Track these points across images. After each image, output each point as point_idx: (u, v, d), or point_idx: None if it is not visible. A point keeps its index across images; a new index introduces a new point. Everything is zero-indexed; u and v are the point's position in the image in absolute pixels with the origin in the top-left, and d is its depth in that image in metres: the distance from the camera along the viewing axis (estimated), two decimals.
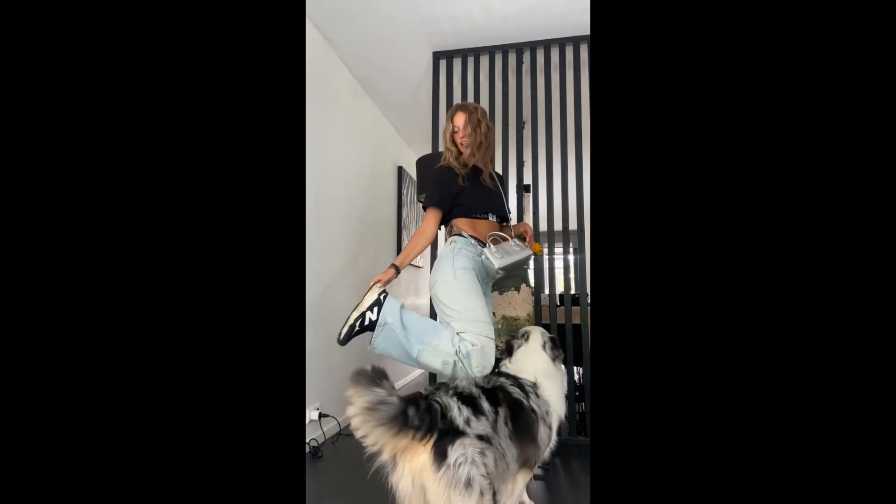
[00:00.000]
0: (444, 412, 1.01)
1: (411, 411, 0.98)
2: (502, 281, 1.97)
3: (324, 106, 2.44)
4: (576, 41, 2.42)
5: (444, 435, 0.98)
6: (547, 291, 2.52)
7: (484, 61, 2.59)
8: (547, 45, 2.46)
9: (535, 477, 1.90)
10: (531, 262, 2.21)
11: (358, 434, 0.99)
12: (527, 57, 2.51)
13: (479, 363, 1.46)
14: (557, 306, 2.40)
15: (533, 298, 2.01)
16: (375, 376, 1.00)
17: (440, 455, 0.97)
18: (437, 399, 1.04)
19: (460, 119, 1.70)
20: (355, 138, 2.82)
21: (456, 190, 1.68)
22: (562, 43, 2.44)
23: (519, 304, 1.93)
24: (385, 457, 1.01)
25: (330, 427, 2.34)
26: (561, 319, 2.34)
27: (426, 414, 0.99)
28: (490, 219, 1.71)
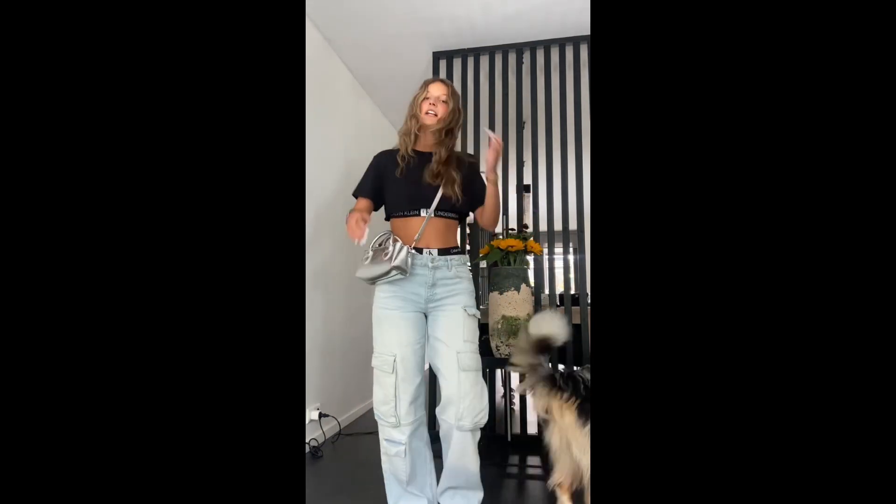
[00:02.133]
0: (587, 384, 1.24)
1: (557, 375, 1.28)
2: (502, 281, 1.96)
3: (324, 106, 2.44)
4: (576, 41, 2.42)
5: (586, 400, 1.20)
6: (547, 291, 2.52)
7: (484, 61, 2.59)
8: (547, 45, 2.46)
9: (535, 477, 1.90)
10: (531, 262, 2.20)
11: (524, 381, 1.31)
12: (527, 57, 2.50)
13: (385, 409, 1.33)
14: (557, 306, 2.40)
15: (533, 298, 2.01)
16: (540, 348, 1.32)
17: (584, 414, 1.19)
18: (580, 375, 1.28)
19: (439, 89, 1.44)
20: (355, 138, 2.82)
21: (377, 179, 1.45)
22: (562, 43, 2.44)
23: (519, 304, 1.93)
24: (540, 412, 1.29)
25: (330, 427, 2.34)
26: None
27: (569, 380, 1.25)
28: (423, 214, 1.39)
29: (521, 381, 1.33)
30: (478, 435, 1.37)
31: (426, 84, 1.47)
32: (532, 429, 2.31)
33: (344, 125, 2.70)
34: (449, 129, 1.44)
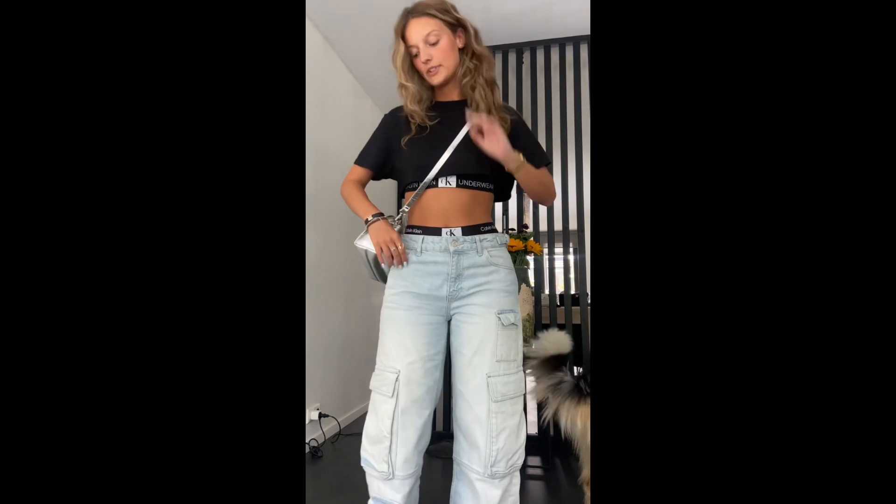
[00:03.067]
0: None
1: (582, 384, 1.29)
2: None
3: (324, 106, 2.44)
4: (576, 41, 2.42)
5: None
6: (547, 291, 2.52)
7: None
8: (547, 45, 2.47)
9: (535, 477, 1.90)
10: (531, 262, 2.20)
11: (547, 406, 1.32)
12: (527, 57, 2.51)
13: (376, 451, 0.96)
14: (557, 306, 2.40)
15: (533, 298, 2.01)
16: (555, 364, 1.36)
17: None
18: None
19: (419, 28, 0.98)
20: (355, 138, 2.82)
21: (386, 143, 1.09)
22: (562, 43, 2.44)
23: (519, 304, 1.93)
24: (564, 418, 1.30)
25: (330, 427, 2.34)
26: (561, 319, 2.34)
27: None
28: (449, 184, 1.00)
29: (545, 404, 1.35)
30: (515, 482, 0.99)
31: (398, 32, 1.01)
32: (532, 429, 2.31)
33: (344, 125, 2.70)
34: (466, 69, 1.02)
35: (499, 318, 0.99)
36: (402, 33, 1.01)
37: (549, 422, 1.32)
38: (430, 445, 1.96)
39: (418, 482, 1.03)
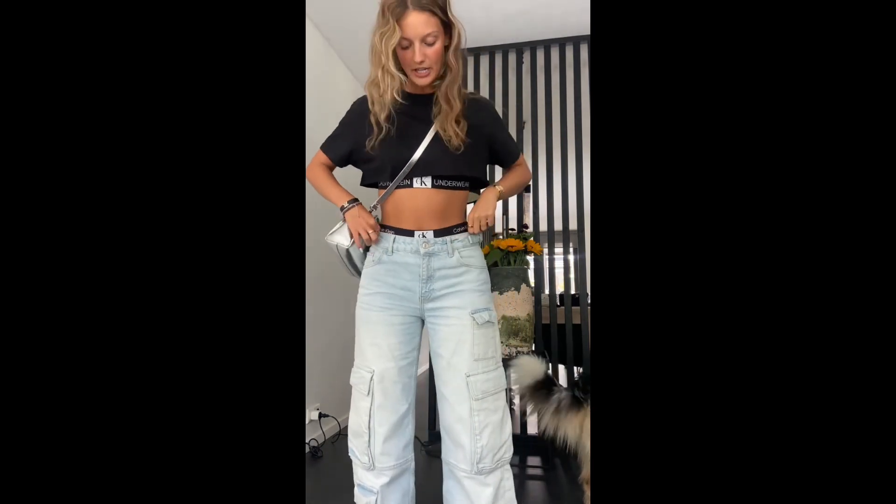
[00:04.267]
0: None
1: (577, 392, 1.34)
2: (502, 280, 1.96)
3: (324, 106, 2.44)
4: (576, 41, 2.43)
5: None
6: (547, 291, 2.52)
7: (484, 61, 2.59)
8: (547, 45, 2.47)
9: (535, 477, 1.91)
10: (531, 262, 2.20)
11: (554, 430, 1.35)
12: (527, 57, 2.51)
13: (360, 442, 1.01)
14: (557, 306, 2.40)
15: (533, 298, 2.01)
16: (546, 386, 1.38)
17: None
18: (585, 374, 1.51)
19: (421, 24, 0.90)
20: None
21: (353, 136, 1.09)
22: (562, 43, 2.44)
23: (519, 304, 1.93)
24: (570, 434, 1.34)
25: (330, 427, 2.34)
26: (561, 319, 2.34)
27: (586, 386, 1.34)
28: (424, 185, 1.00)
29: (542, 418, 1.39)
30: (507, 477, 1.01)
31: (395, 17, 0.90)
32: (532, 429, 2.31)
33: None
34: (451, 74, 0.98)
35: (473, 317, 1.00)
36: (398, 21, 0.91)
37: (552, 438, 1.38)
38: (429, 445, 1.94)
39: (410, 476, 1.07)
